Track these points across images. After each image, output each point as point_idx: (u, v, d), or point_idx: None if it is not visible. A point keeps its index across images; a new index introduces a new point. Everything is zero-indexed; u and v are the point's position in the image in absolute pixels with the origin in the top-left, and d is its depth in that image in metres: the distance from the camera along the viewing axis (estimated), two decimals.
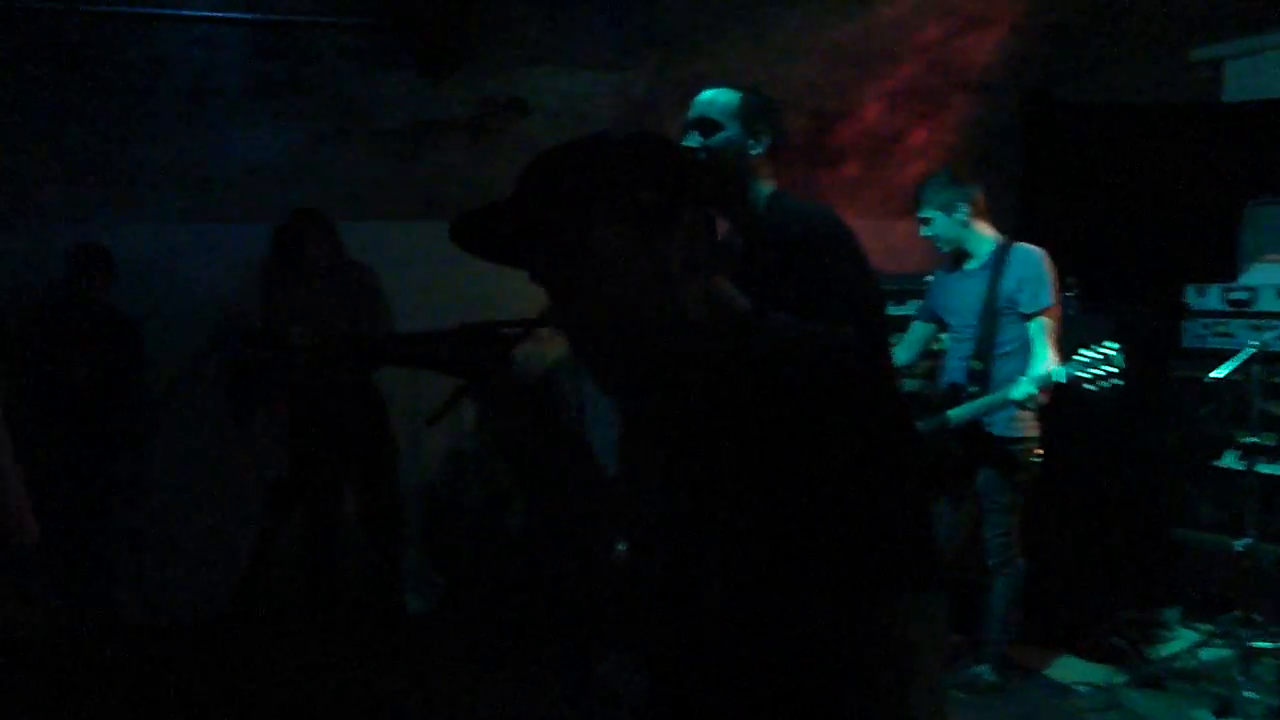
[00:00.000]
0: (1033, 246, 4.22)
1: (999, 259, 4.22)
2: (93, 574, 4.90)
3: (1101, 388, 3.84)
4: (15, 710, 4.18)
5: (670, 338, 1.40)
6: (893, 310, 4.87)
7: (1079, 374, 3.87)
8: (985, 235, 4.29)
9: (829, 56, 5.55)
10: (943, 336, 4.53)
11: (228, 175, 5.27)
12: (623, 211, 1.37)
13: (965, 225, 4.25)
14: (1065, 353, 4.01)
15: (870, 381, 1.41)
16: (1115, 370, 3.81)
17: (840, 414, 1.34)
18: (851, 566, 1.32)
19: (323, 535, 4.95)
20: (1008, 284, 4.16)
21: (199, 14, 4.59)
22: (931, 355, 4.70)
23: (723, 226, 3.17)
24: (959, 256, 4.35)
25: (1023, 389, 3.95)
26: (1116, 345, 3.84)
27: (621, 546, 5.08)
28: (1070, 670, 4.56)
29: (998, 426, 4.17)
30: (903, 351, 4.52)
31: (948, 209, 4.24)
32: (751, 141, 2.94)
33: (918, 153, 6.29)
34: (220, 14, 4.61)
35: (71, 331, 4.82)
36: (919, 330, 4.56)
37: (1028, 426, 4.17)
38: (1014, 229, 6.36)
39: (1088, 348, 3.88)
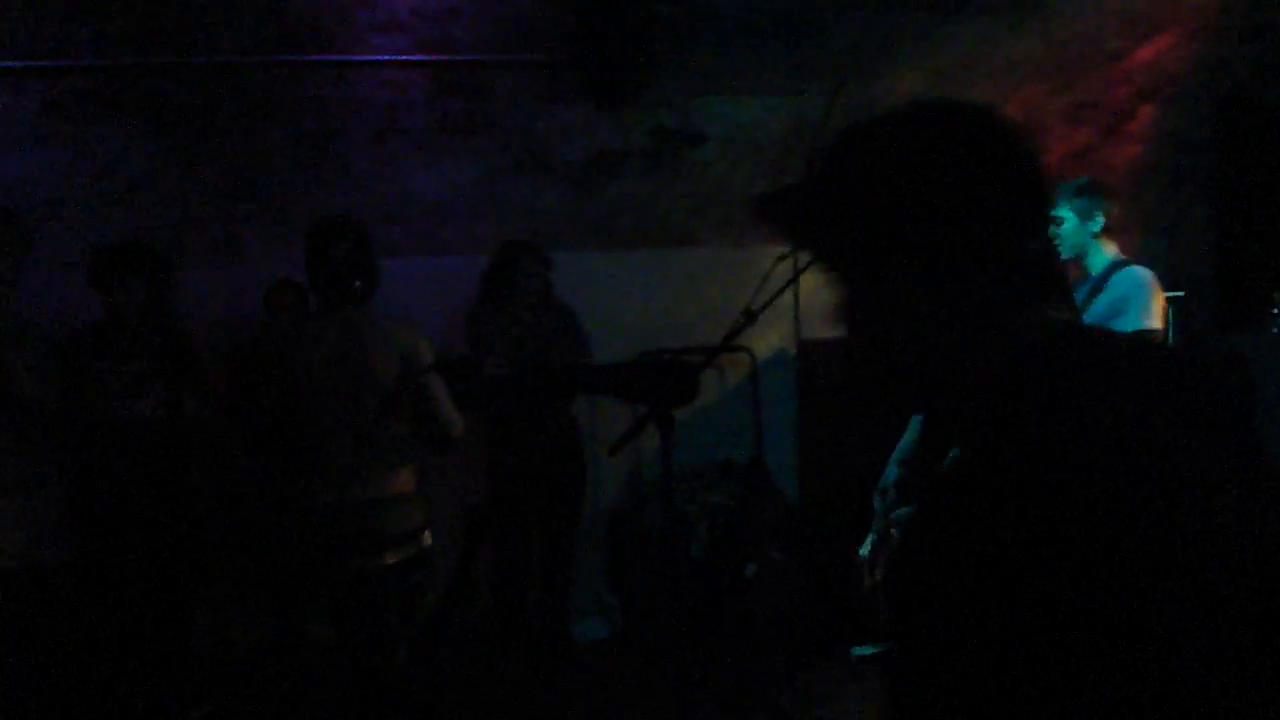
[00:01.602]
0: (1142, 267, 3.90)
1: (1104, 278, 3.92)
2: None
3: None
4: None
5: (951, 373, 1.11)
6: None
7: None
8: (1106, 253, 3.99)
9: (1006, 72, 5.41)
10: None
11: (412, 211, 5.45)
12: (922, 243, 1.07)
13: (1096, 236, 3.97)
14: None
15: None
16: None
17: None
18: None
19: (514, 563, 5.02)
20: (1100, 306, 3.86)
21: (386, 58, 4.78)
22: None
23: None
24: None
25: None
26: None
27: (750, 569, 5.03)
28: None
29: None
30: None
31: (1084, 214, 3.97)
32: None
33: (1105, 168, 6.07)
34: (406, 57, 4.80)
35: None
36: None
37: None
38: (1210, 243, 6.11)
39: None
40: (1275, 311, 4.48)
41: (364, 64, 4.79)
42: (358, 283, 3.53)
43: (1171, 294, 4.57)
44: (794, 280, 3.22)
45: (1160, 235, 6.25)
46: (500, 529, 5.01)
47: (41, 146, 4.69)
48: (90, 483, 4.10)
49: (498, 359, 4.71)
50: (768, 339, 5.88)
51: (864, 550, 2.92)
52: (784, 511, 5.35)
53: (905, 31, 5.04)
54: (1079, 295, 4.01)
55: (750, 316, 2.94)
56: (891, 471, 3.25)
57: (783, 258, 3.02)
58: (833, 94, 5.35)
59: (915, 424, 3.24)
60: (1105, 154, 6.04)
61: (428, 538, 3.65)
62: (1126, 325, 3.79)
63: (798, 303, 5.79)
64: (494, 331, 4.88)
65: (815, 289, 4.24)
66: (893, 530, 2.91)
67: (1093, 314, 3.88)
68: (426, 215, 5.46)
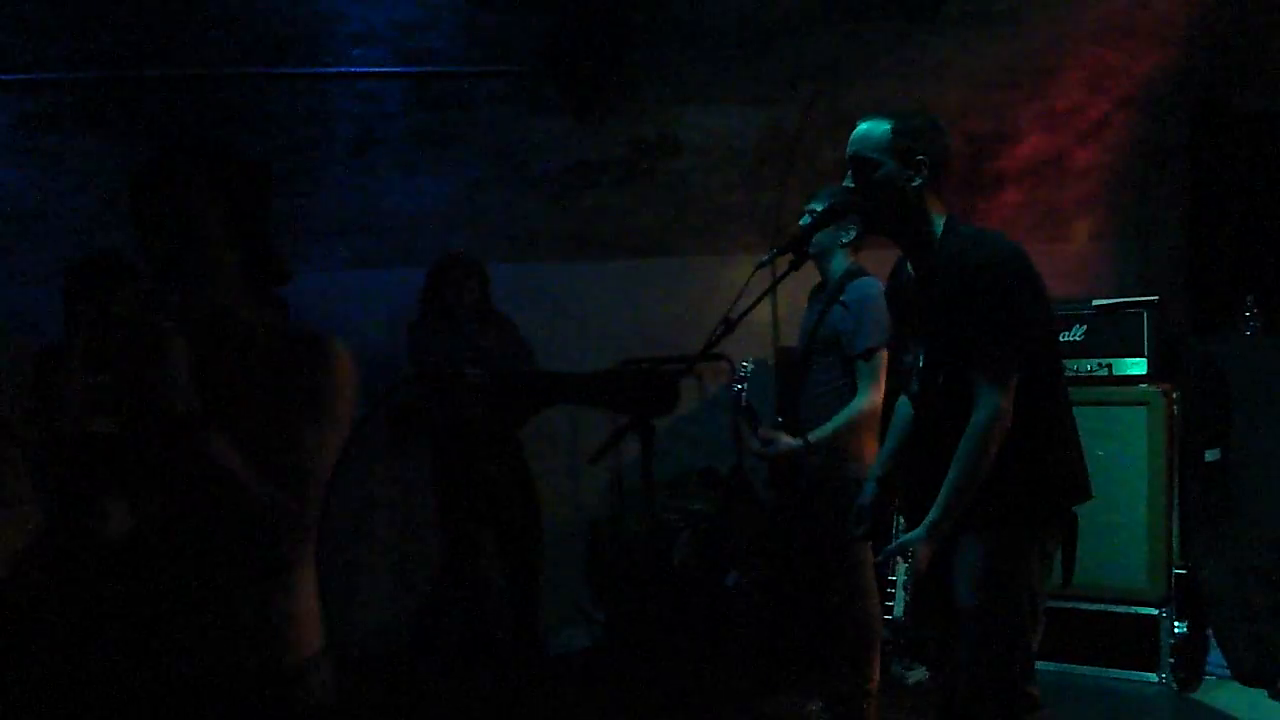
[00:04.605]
0: (873, 279, 3.90)
1: (840, 286, 3.97)
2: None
3: None
4: None
5: None
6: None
7: None
8: (844, 262, 4.01)
9: (982, 79, 5.45)
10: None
11: (390, 223, 5.43)
12: None
13: (843, 245, 3.98)
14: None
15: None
16: None
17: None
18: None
19: (465, 580, 4.98)
20: (838, 312, 3.93)
21: (362, 70, 4.77)
22: None
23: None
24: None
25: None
26: None
27: (732, 578, 5.02)
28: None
29: None
30: None
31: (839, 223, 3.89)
32: (909, 173, 2.83)
33: (1079, 174, 6.11)
34: (382, 69, 4.79)
35: None
36: None
37: None
38: (1183, 248, 6.16)
39: None
40: (1248, 315, 4.52)
41: (341, 76, 4.78)
42: None
43: (1146, 298, 4.62)
44: (772, 289, 3.23)
45: (1134, 240, 6.30)
46: (450, 549, 4.96)
47: (16, 161, 4.67)
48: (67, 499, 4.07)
49: (478, 369, 4.68)
50: (746, 347, 5.89)
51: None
52: (764, 520, 5.36)
53: (879, 41, 5.08)
54: (820, 300, 4.07)
55: (729, 325, 2.93)
56: (869, 488, 3.24)
57: (761, 266, 3.03)
58: (808, 103, 5.38)
59: (892, 436, 3.23)
60: (1079, 161, 6.09)
61: None
62: (861, 339, 3.86)
63: (776, 311, 5.80)
64: (433, 344, 4.82)
65: (793, 297, 4.25)
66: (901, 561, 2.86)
67: (831, 320, 3.94)
68: (404, 227, 5.46)
